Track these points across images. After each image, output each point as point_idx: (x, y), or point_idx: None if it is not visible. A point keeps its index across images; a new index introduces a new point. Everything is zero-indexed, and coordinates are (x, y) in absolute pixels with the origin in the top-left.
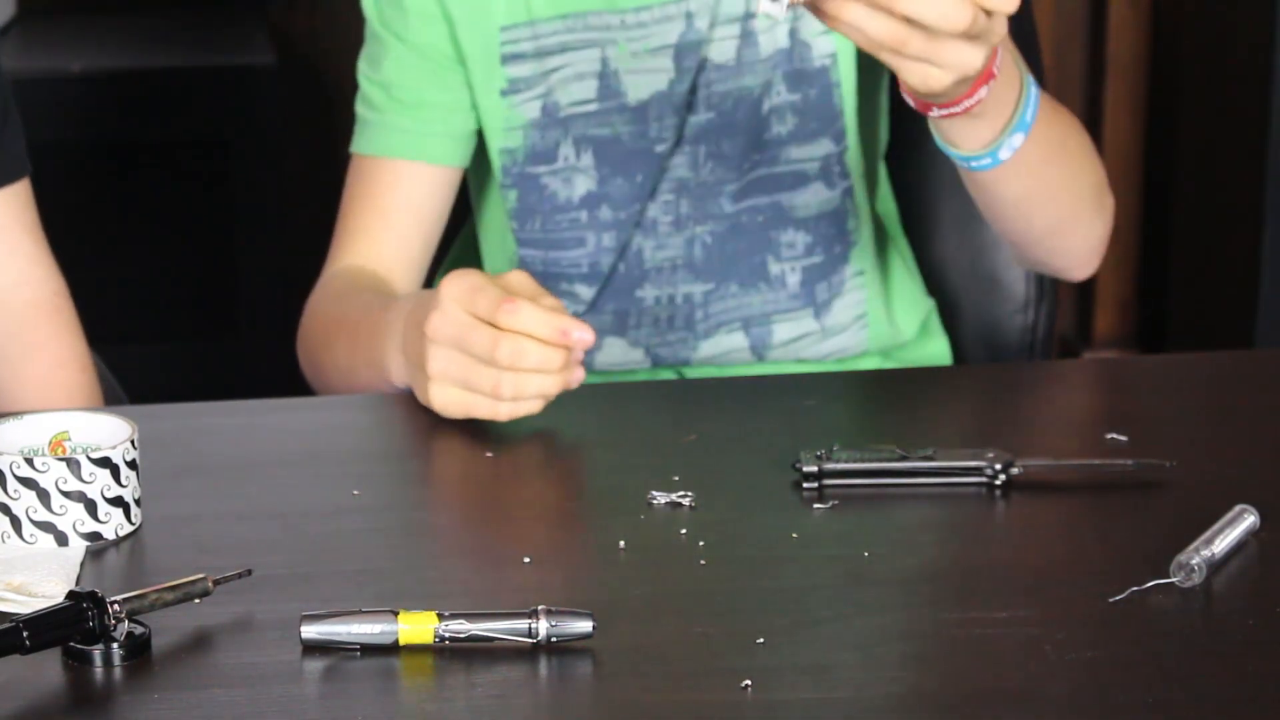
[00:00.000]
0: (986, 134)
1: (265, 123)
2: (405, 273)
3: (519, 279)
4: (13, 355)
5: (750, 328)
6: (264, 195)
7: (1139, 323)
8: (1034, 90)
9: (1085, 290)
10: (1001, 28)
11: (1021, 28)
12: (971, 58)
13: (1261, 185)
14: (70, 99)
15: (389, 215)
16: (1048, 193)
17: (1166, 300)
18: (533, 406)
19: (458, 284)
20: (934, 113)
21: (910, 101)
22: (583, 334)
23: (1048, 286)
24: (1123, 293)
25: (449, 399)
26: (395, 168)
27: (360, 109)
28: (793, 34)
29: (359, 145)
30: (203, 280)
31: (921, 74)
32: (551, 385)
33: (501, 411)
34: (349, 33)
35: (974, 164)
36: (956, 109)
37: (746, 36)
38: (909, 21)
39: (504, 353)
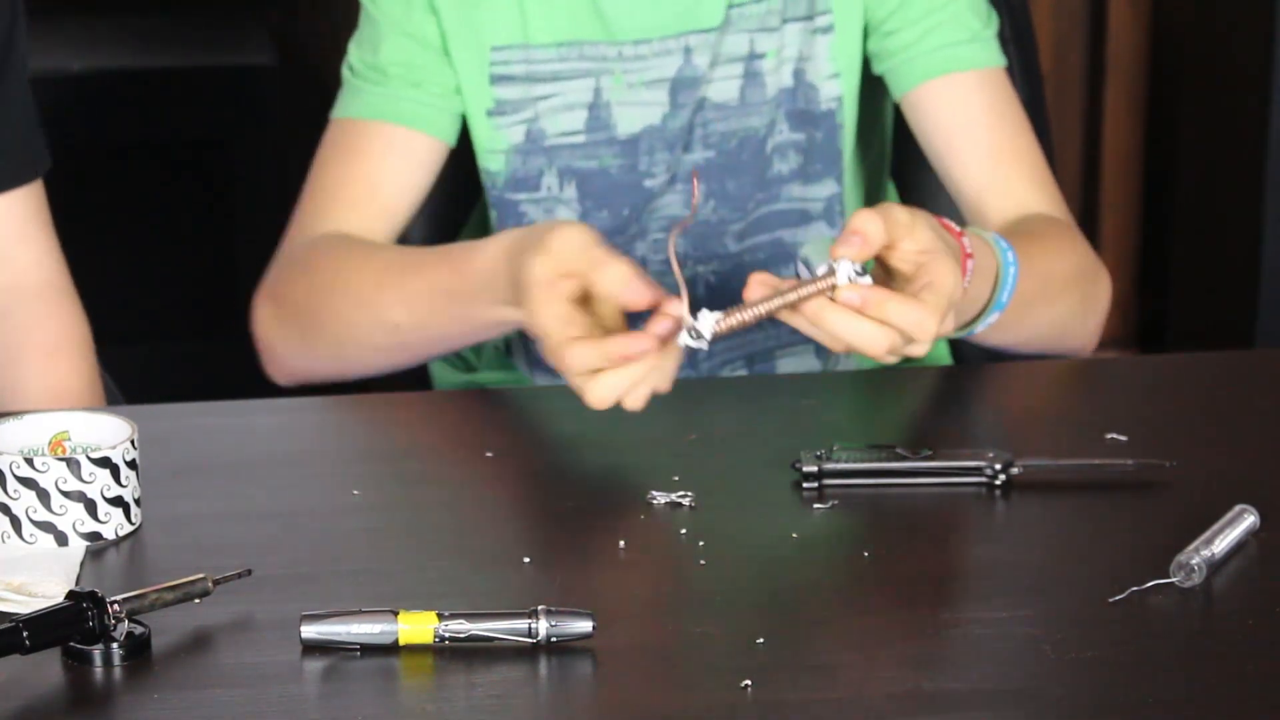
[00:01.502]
0: (963, 320)
1: (265, 123)
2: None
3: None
4: (17, 339)
5: (753, 364)
6: (264, 195)
7: (1139, 323)
8: (1012, 270)
9: None
10: (932, 333)
11: (1022, 28)
12: (912, 351)
13: (1261, 185)
14: (70, 99)
15: (378, 186)
16: (1033, 331)
17: (1166, 300)
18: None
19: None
20: None
21: None
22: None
23: None
24: (1122, 293)
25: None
26: (390, 133)
27: (351, 78)
28: (798, 74)
29: (348, 109)
30: (203, 280)
31: (871, 356)
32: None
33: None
34: (349, 33)
35: (953, 335)
36: None
37: (751, 77)
38: None
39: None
